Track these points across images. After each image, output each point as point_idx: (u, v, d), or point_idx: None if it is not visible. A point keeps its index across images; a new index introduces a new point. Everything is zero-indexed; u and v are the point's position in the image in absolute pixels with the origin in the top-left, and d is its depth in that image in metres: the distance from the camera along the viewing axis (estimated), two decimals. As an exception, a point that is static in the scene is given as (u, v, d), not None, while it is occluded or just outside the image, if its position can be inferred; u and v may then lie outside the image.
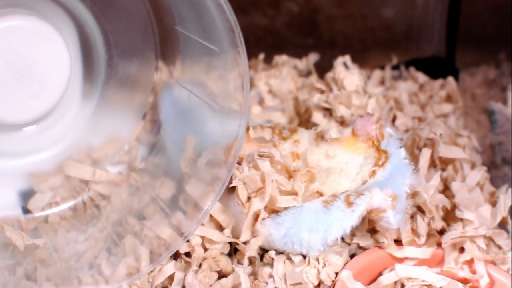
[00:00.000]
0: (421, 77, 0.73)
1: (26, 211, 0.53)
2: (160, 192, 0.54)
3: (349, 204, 0.48)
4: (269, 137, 0.53)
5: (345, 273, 0.49)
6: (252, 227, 0.50)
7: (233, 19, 0.45)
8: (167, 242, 0.50)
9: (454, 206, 0.54)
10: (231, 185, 0.49)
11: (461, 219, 0.52)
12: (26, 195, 0.54)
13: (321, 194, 0.51)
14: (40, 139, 0.54)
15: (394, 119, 0.64)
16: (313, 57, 0.72)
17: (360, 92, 0.63)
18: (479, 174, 0.56)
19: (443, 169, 0.58)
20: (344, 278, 0.48)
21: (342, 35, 0.78)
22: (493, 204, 0.55)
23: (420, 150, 0.56)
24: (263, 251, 0.52)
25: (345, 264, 0.50)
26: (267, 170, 0.49)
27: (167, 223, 0.51)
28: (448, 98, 0.70)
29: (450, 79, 0.71)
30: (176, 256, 0.51)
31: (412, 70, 0.75)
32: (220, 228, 0.52)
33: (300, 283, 0.48)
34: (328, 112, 0.63)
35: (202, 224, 0.51)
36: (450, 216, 0.54)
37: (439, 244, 0.52)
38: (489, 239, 0.52)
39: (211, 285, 0.50)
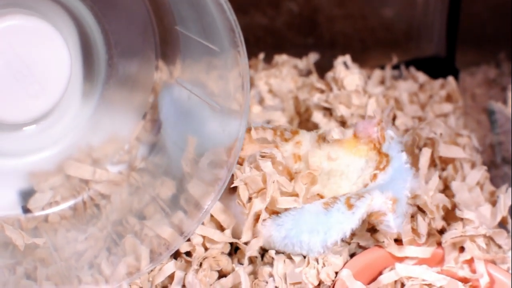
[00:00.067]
0: (421, 76, 0.73)
1: (26, 210, 0.53)
2: (160, 192, 0.54)
3: (350, 206, 0.48)
4: (271, 138, 0.53)
5: (345, 272, 0.49)
6: (253, 228, 0.50)
7: (233, 19, 0.45)
8: (167, 241, 0.50)
9: (454, 206, 0.54)
10: (232, 186, 0.49)
11: (461, 219, 0.53)
12: (26, 195, 0.54)
13: (321, 196, 0.51)
14: (40, 139, 0.54)
15: (394, 119, 0.64)
16: (313, 57, 0.72)
17: (360, 91, 0.63)
18: (479, 173, 0.56)
19: (443, 169, 0.58)
20: (344, 277, 0.48)
21: (342, 34, 0.78)
22: (493, 203, 0.55)
23: (420, 149, 0.56)
24: (263, 250, 0.52)
25: (345, 264, 0.50)
26: (269, 170, 0.49)
27: (167, 222, 0.51)
28: (448, 98, 0.70)
29: (450, 79, 0.71)
30: (176, 255, 0.51)
31: (412, 69, 0.75)
32: (221, 228, 0.52)
33: (300, 283, 0.48)
34: (328, 111, 0.63)
35: (203, 224, 0.51)
36: (450, 215, 0.54)
37: (439, 244, 0.52)
38: (489, 239, 0.52)
39: (211, 285, 0.50)
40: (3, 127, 0.52)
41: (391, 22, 0.78)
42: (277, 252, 0.51)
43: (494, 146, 0.65)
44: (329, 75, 0.66)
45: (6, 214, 0.52)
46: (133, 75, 0.56)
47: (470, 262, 0.51)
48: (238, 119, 0.48)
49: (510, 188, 0.55)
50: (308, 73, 0.71)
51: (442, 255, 0.51)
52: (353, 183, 0.51)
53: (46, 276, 0.48)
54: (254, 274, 0.51)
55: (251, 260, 0.52)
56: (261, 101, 0.67)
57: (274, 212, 0.50)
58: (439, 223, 0.53)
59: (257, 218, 0.50)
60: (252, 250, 0.49)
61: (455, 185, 0.55)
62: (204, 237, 0.51)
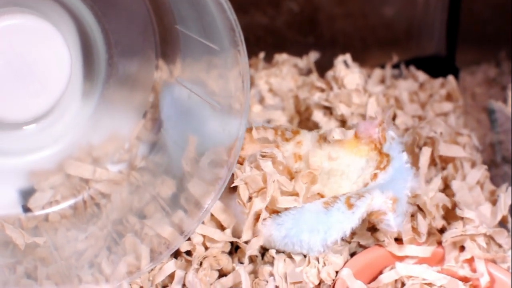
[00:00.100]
0: (422, 75, 0.73)
1: (26, 209, 0.53)
2: (161, 191, 0.54)
3: (350, 205, 0.48)
4: (272, 138, 0.53)
5: (345, 271, 0.49)
6: (253, 227, 0.50)
7: (233, 18, 0.45)
8: (168, 240, 0.50)
9: (455, 205, 0.54)
10: (233, 185, 0.49)
11: (462, 218, 0.53)
12: (27, 194, 0.54)
13: (322, 196, 0.51)
14: (41, 138, 0.54)
15: (394, 118, 0.64)
16: (313, 56, 0.72)
17: (360, 90, 0.63)
18: (479, 172, 0.56)
19: (443, 168, 0.58)
20: (345, 276, 0.48)
21: (343, 33, 0.78)
22: (493, 202, 0.55)
23: (420, 148, 0.56)
24: (264, 249, 0.52)
25: (345, 263, 0.50)
26: (269, 170, 0.49)
27: (167, 221, 0.51)
28: (448, 97, 0.70)
29: (450, 78, 0.71)
30: (176, 254, 0.51)
31: (413, 68, 0.75)
32: (221, 227, 0.52)
33: (300, 282, 0.48)
34: (329, 110, 0.63)
35: (203, 223, 0.51)
36: (450, 214, 0.54)
37: (439, 243, 0.52)
38: (490, 238, 0.52)
39: (211, 284, 0.50)
40: (3, 126, 0.52)
41: (392, 21, 0.78)
42: (278, 251, 0.51)
43: (494, 145, 0.65)
44: (329, 74, 0.66)
45: (7, 213, 0.52)
46: (133, 74, 0.56)
47: (470, 261, 0.51)
48: (238, 118, 0.48)
49: (510, 187, 0.55)
50: (308, 72, 0.71)
51: (443, 254, 0.51)
52: (354, 182, 0.51)
53: (47, 275, 0.48)
54: (254, 273, 0.51)
55: (252, 259, 0.52)
56: (261, 100, 0.67)
57: (275, 212, 0.50)
58: (439, 222, 0.53)
59: (257, 217, 0.50)
60: (252, 249, 0.49)
61: (455, 184, 0.55)
62: (204, 236, 0.51)
